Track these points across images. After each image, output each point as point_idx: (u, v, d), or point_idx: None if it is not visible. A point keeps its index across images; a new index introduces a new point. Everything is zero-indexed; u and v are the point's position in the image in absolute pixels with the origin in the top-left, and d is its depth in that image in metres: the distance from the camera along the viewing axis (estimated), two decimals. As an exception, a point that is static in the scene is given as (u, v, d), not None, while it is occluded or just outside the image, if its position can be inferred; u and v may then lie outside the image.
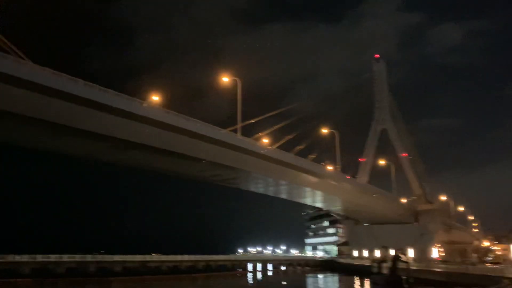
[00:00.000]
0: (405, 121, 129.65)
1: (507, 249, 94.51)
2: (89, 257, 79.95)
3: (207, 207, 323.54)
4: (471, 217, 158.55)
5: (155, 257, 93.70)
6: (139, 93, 51.45)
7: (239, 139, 62.80)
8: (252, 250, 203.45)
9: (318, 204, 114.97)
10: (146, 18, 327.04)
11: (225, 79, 65.10)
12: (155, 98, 51.97)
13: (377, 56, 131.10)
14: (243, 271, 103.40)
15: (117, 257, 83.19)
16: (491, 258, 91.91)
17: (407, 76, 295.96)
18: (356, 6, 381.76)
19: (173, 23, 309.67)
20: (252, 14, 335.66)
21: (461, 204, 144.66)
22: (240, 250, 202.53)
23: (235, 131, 63.46)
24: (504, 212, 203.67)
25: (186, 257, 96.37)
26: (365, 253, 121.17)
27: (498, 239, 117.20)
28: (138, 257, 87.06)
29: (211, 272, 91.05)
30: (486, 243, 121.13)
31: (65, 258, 76.26)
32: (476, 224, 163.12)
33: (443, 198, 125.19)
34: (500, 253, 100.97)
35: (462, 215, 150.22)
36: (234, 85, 66.23)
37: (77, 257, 78.34)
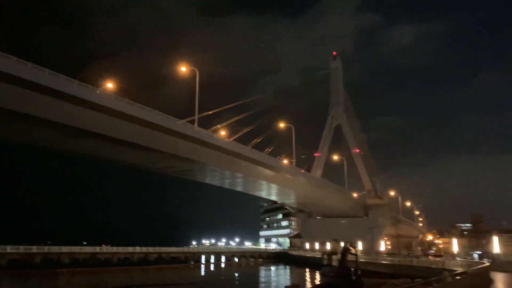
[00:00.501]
0: (359, 118, 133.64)
1: (449, 243, 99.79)
2: (34, 248, 76.72)
3: (162, 199, 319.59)
4: (417, 212, 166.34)
5: (105, 248, 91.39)
6: (95, 80, 49.70)
7: (195, 130, 62.10)
8: (206, 242, 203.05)
9: (273, 197, 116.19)
10: (105, 4, 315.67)
11: (183, 69, 64.21)
12: (109, 85, 50.42)
13: (334, 53, 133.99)
14: (196, 263, 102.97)
15: (65, 248, 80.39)
16: (433, 251, 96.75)
17: (363, 74, 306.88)
18: (317, 4, 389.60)
19: (133, 10, 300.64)
20: (214, 5, 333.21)
21: (408, 199, 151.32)
22: (194, 242, 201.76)
23: (192, 122, 62.72)
24: (447, 208, 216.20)
25: (137, 249, 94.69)
26: (317, 246, 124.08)
27: (441, 233, 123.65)
28: (88, 249, 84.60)
29: (164, 264, 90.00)
30: (429, 237, 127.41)
31: (8, 249, 72.79)
32: (421, 219, 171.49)
33: (392, 193, 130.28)
34: (442, 246, 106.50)
35: (409, 210, 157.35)
36: (193, 75, 65.53)
37: (22, 248, 74.99)
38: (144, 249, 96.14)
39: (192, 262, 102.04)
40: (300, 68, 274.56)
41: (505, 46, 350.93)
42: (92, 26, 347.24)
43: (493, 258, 65.38)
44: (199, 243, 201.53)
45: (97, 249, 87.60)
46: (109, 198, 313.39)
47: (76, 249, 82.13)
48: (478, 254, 73.14)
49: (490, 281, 31.99)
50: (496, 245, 72.81)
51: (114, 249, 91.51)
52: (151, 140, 55.13)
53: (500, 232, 79.23)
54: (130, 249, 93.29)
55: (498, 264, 51.73)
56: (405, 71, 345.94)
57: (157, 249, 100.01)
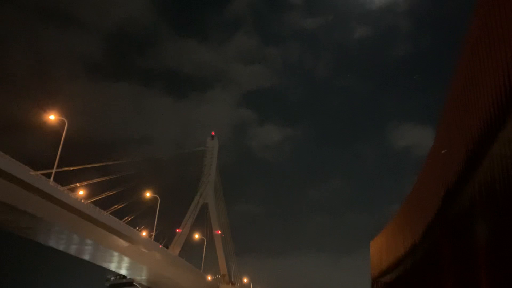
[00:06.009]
0: (226, 201, 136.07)
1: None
2: None
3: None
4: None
5: None
6: None
7: (49, 185, 56.09)
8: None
9: (123, 271, 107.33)
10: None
11: (52, 117, 59.69)
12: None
13: (213, 133, 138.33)
14: None
15: None
16: None
17: (235, 161, 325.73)
18: (202, 91, 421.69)
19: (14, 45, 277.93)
20: (104, 68, 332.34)
21: (259, 287, 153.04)
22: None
23: (49, 175, 56.91)
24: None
25: None
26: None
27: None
28: None
29: None
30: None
31: None
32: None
33: (245, 280, 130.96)
34: None
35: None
36: (61, 126, 61.20)
37: None
38: None
39: None
40: (177, 143, 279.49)
41: (349, 159, 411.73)
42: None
43: None
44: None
45: None
46: None
47: None
48: None
49: None
50: None
51: None
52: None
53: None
54: None
55: None
56: (267, 165, 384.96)
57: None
